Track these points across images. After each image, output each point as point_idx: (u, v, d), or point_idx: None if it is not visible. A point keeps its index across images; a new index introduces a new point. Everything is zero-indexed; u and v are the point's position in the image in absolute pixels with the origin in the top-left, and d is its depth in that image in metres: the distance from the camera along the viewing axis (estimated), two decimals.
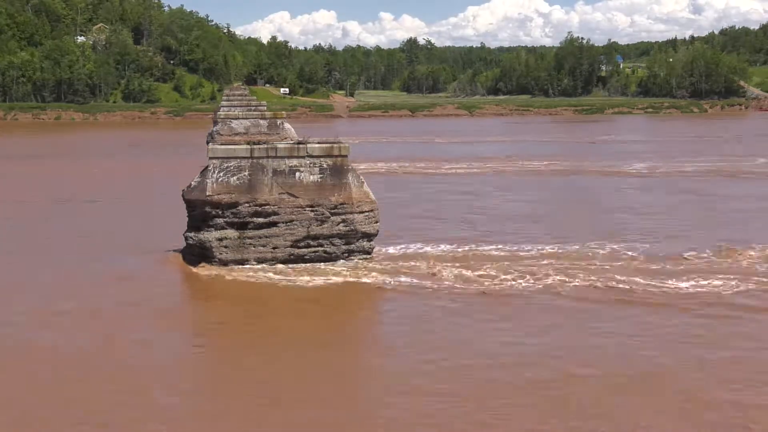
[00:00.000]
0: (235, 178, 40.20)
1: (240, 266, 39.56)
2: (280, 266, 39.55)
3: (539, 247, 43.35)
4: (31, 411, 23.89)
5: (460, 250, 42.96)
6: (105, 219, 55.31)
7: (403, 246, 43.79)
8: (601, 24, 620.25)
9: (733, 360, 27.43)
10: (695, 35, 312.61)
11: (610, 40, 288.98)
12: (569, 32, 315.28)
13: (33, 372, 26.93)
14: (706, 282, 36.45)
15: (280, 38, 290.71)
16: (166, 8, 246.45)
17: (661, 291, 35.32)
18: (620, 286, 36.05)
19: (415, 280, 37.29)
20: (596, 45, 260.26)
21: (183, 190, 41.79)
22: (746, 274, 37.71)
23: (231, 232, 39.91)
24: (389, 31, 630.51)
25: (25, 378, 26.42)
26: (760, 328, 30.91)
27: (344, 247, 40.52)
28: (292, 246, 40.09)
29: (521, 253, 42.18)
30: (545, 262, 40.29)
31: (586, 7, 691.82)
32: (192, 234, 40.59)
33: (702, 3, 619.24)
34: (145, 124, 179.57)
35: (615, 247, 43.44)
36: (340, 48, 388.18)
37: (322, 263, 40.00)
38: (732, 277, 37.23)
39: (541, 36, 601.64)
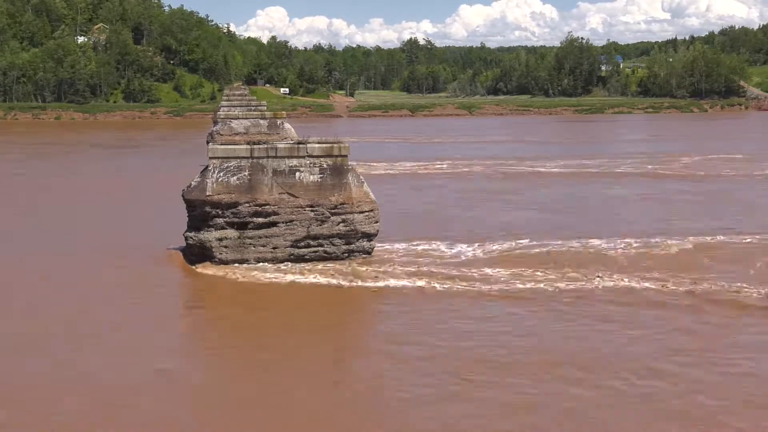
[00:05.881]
0: (235, 178, 40.23)
1: (240, 266, 39.61)
2: (280, 266, 39.59)
3: (538, 247, 43.47)
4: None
5: (461, 250, 42.99)
6: (104, 218, 55.28)
7: (403, 245, 43.78)
8: (588, 23, 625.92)
9: None
10: (677, 37, 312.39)
11: (609, 40, 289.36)
12: (569, 32, 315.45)
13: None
14: None
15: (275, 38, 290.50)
16: (166, 8, 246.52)
17: None
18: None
19: (414, 280, 37.29)
20: (596, 45, 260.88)
21: (183, 190, 41.80)
22: None
23: (231, 232, 39.95)
24: (379, 30, 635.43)
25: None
26: None
27: (344, 247, 40.56)
28: (292, 246, 40.13)
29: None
30: (545, 263, 40.43)
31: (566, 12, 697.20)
32: (192, 234, 40.62)
33: (686, 4, 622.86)
34: (145, 124, 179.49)
35: None
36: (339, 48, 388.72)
37: (322, 263, 40.05)
38: None
39: (531, 36, 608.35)
